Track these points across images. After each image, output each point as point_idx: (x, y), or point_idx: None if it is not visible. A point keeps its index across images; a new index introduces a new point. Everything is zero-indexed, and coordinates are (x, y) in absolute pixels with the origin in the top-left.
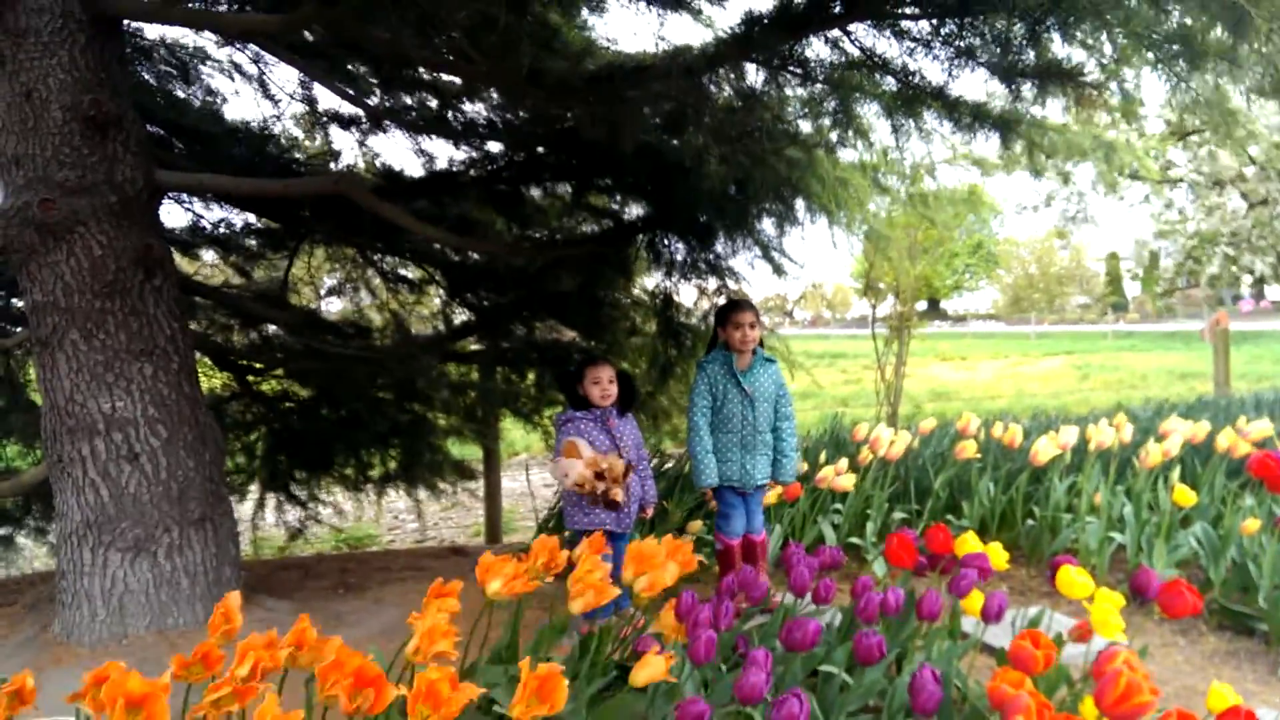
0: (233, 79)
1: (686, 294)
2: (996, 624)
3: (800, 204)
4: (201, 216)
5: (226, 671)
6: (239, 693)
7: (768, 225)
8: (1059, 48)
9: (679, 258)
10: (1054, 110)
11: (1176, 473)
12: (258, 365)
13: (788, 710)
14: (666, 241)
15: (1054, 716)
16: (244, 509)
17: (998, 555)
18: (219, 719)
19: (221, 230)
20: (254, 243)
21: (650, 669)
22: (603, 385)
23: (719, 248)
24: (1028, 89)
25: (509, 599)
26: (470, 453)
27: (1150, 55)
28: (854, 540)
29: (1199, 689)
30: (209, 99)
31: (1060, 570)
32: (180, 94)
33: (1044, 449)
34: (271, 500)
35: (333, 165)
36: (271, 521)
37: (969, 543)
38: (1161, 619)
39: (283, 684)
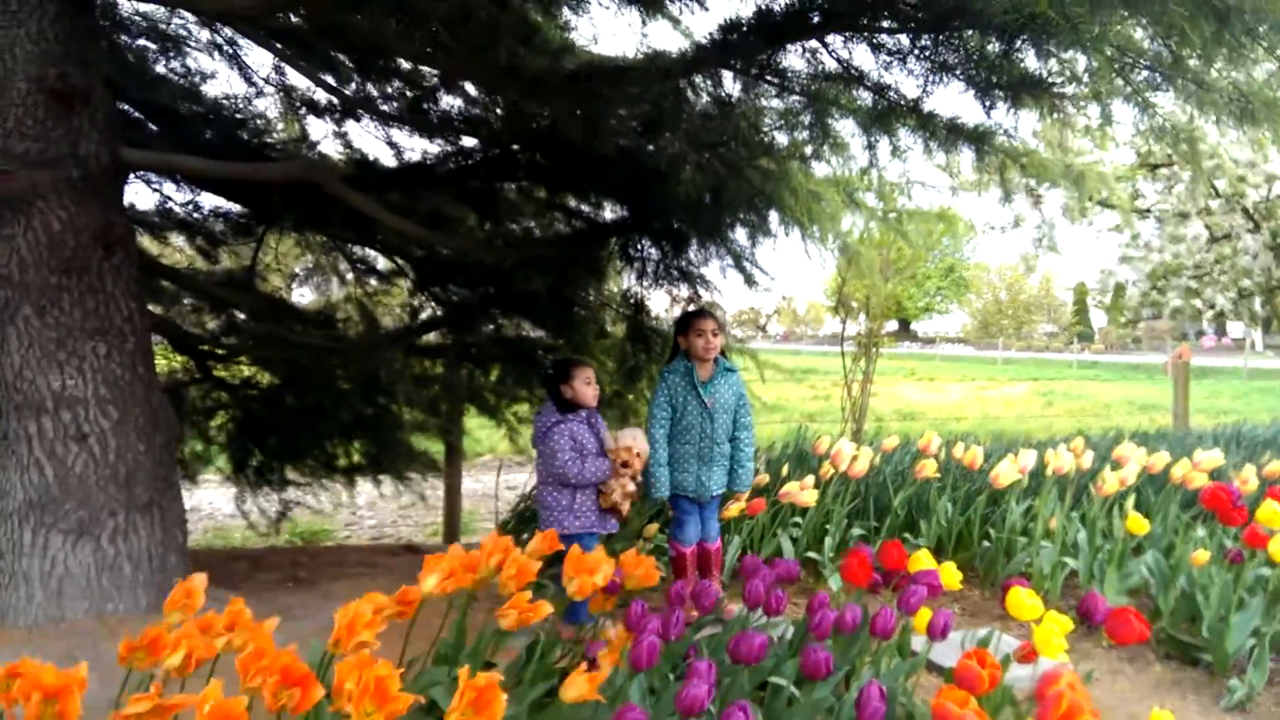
0: (212, 58)
1: (658, 300)
2: (943, 642)
3: (773, 215)
4: (170, 199)
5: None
6: (165, 707)
7: (741, 235)
8: (1034, 64)
9: (651, 263)
10: (1027, 128)
11: (1131, 501)
12: (219, 350)
13: None
14: (639, 246)
15: None
16: (199, 496)
17: (950, 575)
18: None
19: (190, 213)
20: (222, 227)
21: (577, 688)
22: (594, 385)
23: (692, 255)
24: (1002, 104)
25: (443, 596)
26: (435, 449)
27: (1119, 81)
28: (811, 555)
29: (1143, 717)
30: (183, 78)
31: (1010, 592)
32: (156, 71)
33: (1005, 472)
34: (234, 490)
35: (305, 152)
36: (228, 512)
37: (922, 560)
38: (1110, 646)
39: (211, 671)
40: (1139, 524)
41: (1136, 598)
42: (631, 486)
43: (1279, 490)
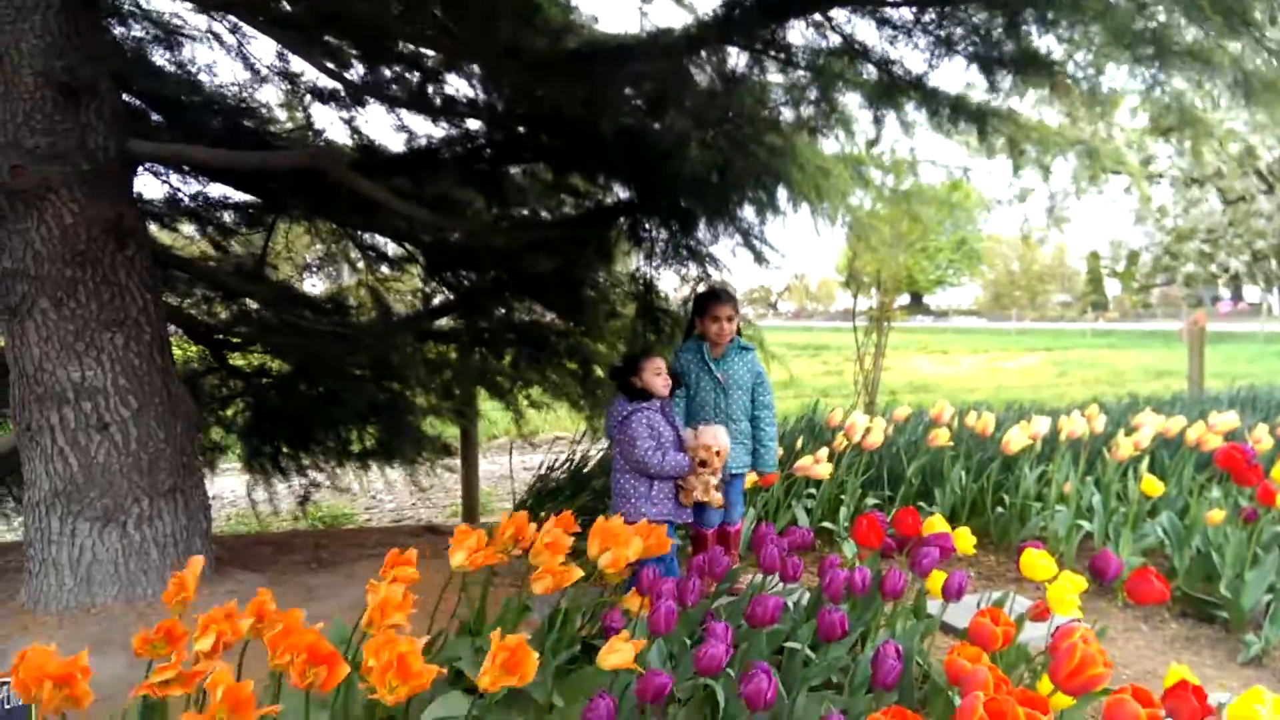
0: (212, 48)
1: (667, 280)
2: (958, 603)
3: (781, 192)
4: (179, 189)
5: (190, 647)
6: (186, 676)
7: (749, 212)
8: (1039, 40)
9: (660, 243)
10: (1031, 103)
11: (1145, 464)
12: (233, 339)
13: (755, 684)
14: (647, 226)
15: (1010, 691)
16: (221, 484)
17: (964, 539)
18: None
19: (198, 203)
20: (231, 217)
21: (619, 654)
22: (664, 376)
23: (700, 234)
24: (1005, 79)
25: (473, 571)
26: (450, 433)
27: (1127, 54)
28: (826, 525)
29: (1159, 673)
30: (187, 69)
31: (1024, 553)
32: (158, 62)
33: (1015, 438)
34: (248, 478)
35: (311, 139)
36: (246, 497)
37: (936, 525)
38: (1125, 605)
39: (242, 656)
40: (1154, 486)
41: (1151, 558)
42: (714, 481)
43: None
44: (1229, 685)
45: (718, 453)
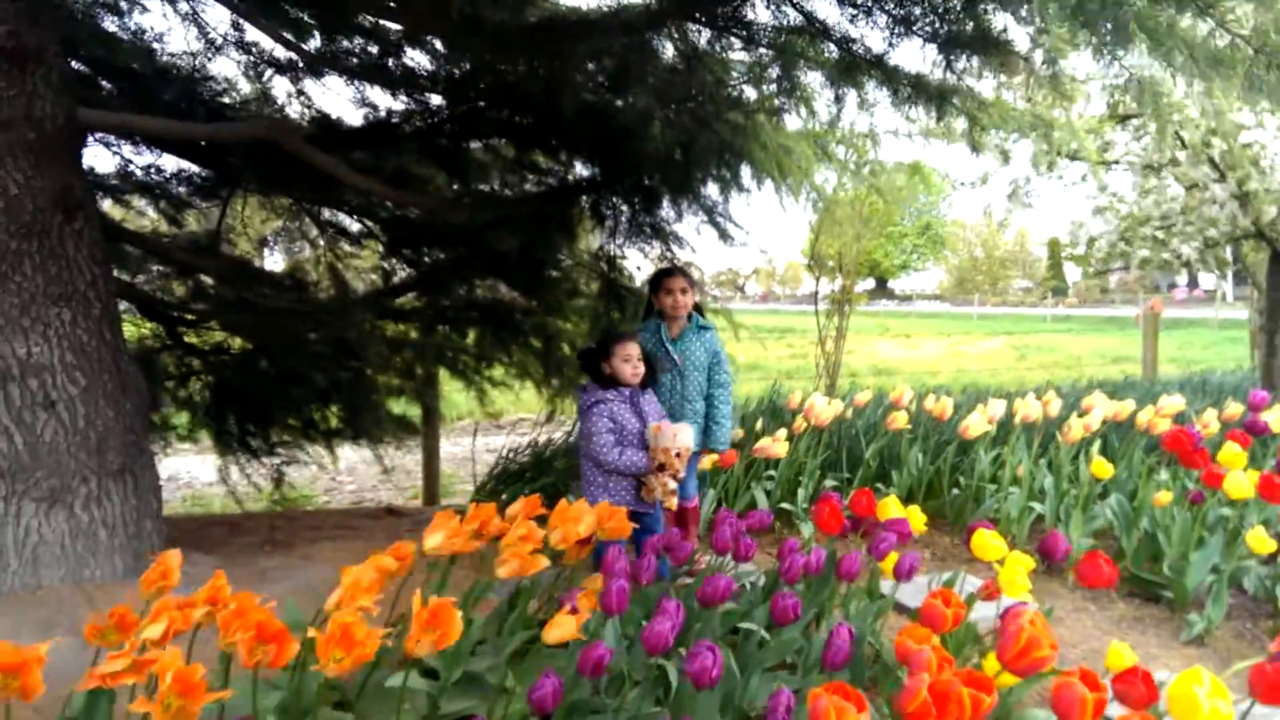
0: (165, 16)
1: (632, 259)
2: (910, 584)
3: (745, 169)
4: (130, 161)
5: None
6: (138, 664)
7: (712, 190)
8: (998, 19)
9: (623, 220)
10: (989, 84)
11: (1096, 446)
12: (189, 316)
13: (700, 663)
14: (611, 203)
15: (956, 671)
16: (175, 465)
17: (916, 518)
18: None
19: (151, 176)
20: (184, 190)
21: (561, 628)
22: (633, 362)
23: (663, 211)
24: (962, 60)
25: (444, 555)
26: (413, 413)
27: (1084, 33)
28: (785, 506)
29: (1105, 652)
30: (139, 36)
31: (975, 534)
32: (109, 28)
33: (974, 424)
34: (212, 458)
35: (267, 111)
36: (206, 480)
37: (891, 507)
38: (1075, 586)
39: (192, 641)
40: (1103, 468)
41: (1101, 540)
42: (673, 485)
43: (1239, 433)
44: (1171, 664)
45: (678, 454)
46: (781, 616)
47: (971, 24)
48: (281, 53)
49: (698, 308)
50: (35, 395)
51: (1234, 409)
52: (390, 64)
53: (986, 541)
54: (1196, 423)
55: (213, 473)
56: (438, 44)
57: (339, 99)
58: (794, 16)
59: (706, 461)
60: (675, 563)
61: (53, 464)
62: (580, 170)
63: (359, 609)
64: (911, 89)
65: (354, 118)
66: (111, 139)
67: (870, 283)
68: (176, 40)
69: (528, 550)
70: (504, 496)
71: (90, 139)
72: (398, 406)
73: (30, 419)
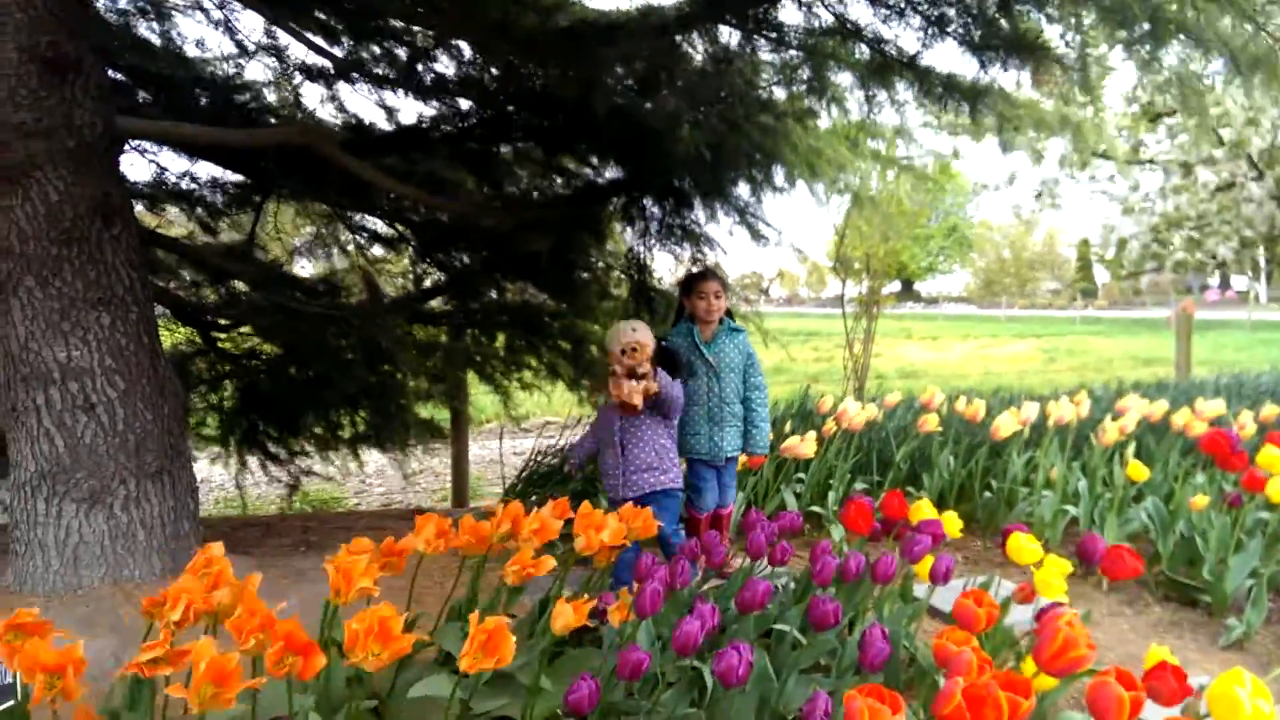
0: (198, 23)
1: (661, 261)
2: (945, 587)
3: (777, 169)
4: (166, 169)
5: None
6: (174, 655)
7: (744, 190)
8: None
9: (653, 222)
10: (1021, 85)
11: (1131, 449)
12: (222, 321)
13: (727, 661)
14: (641, 205)
15: (995, 673)
16: (209, 468)
17: (951, 522)
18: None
19: (186, 184)
20: (219, 197)
21: (564, 618)
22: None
23: (695, 213)
24: (997, 62)
25: (473, 556)
26: (440, 416)
27: (1122, 33)
28: (815, 509)
29: (1142, 656)
30: (174, 43)
31: (1010, 537)
32: (145, 36)
33: (1004, 424)
34: (235, 462)
35: (300, 117)
36: (233, 481)
37: (924, 510)
38: (1110, 589)
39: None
40: (1139, 471)
41: (1136, 543)
42: (632, 383)
43: (1278, 435)
44: (1210, 669)
45: (622, 351)
46: (821, 621)
47: (1008, 24)
48: (314, 59)
49: (728, 310)
50: (75, 398)
51: (1270, 410)
52: (420, 69)
53: (1023, 545)
54: (1234, 425)
55: (246, 477)
56: (466, 50)
57: (370, 105)
58: (825, 18)
59: (740, 464)
60: (711, 566)
61: (92, 465)
62: (610, 173)
63: (362, 591)
64: (944, 89)
65: (385, 123)
66: (147, 146)
67: (897, 285)
68: (211, 47)
69: (530, 554)
70: (533, 499)
71: (126, 146)
72: (425, 411)
73: (70, 422)
